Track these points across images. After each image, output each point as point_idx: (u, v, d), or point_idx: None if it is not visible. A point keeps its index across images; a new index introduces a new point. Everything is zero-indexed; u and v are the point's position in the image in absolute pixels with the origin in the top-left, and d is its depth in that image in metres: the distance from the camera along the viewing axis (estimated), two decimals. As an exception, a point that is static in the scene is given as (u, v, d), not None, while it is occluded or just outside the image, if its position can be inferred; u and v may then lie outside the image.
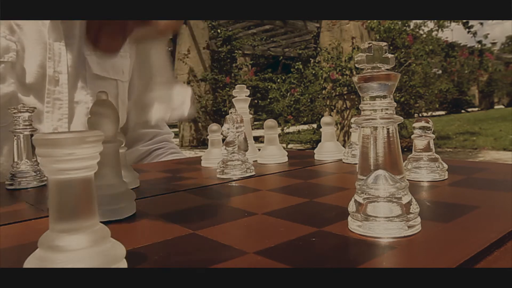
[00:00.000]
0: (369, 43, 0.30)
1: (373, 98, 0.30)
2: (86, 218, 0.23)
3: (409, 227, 0.29)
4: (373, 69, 0.30)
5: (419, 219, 0.30)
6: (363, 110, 0.31)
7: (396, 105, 0.30)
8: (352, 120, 0.33)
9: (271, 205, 0.41)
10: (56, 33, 0.81)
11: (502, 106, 14.18)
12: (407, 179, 0.48)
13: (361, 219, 0.30)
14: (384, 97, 0.30)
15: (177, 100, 0.40)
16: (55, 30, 0.81)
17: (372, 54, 0.30)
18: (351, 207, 0.31)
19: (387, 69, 0.30)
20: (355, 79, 0.30)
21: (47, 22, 0.80)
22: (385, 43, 0.30)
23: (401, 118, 0.30)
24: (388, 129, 0.30)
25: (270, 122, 0.72)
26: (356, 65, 0.30)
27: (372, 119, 0.30)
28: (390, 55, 0.31)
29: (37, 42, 0.78)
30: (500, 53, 14.40)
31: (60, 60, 0.81)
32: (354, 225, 0.30)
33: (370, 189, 0.30)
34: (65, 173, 0.22)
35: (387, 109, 0.30)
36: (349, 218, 0.31)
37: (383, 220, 0.29)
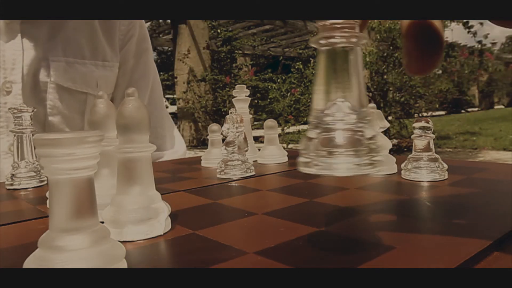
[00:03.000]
0: None
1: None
2: (86, 218, 0.23)
3: (370, 163, 0.25)
4: None
5: (381, 157, 0.26)
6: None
7: (368, 38, 0.26)
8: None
9: (271, 205, 0.41)
10: (10, 33, 0.71)
11: (502, 106, 14.18)
12: (407, 179, 0.49)
13: (315, 155, 0.25)
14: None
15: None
16: (8, 30, 0.71)
17: None
18: (303, 145, 0.26)
19: None
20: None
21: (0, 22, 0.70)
22: None
23: (366, 36, 0.26)
24: (348, 50, 0.25)
25: (270, 122, 0.72)
26: None
27: (331, 37, 0.25)
28: None
29: None
30: (500, 53, 14.40)
31: (14, 68, 0.71)
32: (308, 165, 0.25)
33: (326, 120, 0.25)
34: (65, 173, 0.22)
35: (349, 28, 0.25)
36: (300, 159, 0.26)
37: (342, 155, 0.24)
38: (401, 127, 5.07)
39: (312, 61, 6.03)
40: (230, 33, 6.64)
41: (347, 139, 0.25)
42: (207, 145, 0.71)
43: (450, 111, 11.64)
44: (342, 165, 0.24)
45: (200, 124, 6.56)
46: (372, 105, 0.55)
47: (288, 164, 0.68)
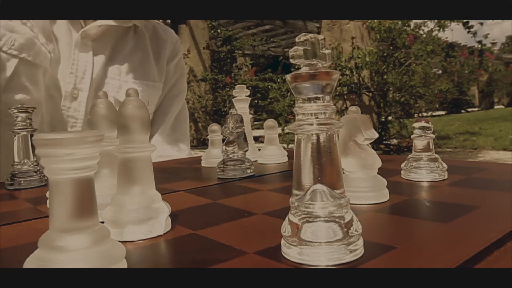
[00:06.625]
0: (305, 35, 0.26)
1: (309, 100, 0.26)
2: (86, 218, 0.23)
3: (350, 251, 0.25)
4: (309, 66, 0.26)
5: (361, 241, 0.26)
6: (297, 114, 0.27)
7: (335, 108, 0.26)
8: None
9: (271, 205, 0.41)
10: (83, 47, 0.79)
11: (502, 106, 14.17)
12: (407, 179, 0.49)
13: (297, 244, 0.25)
14: (320, 99, 0.26)
15: None
16: (82, 44, 0.79)
17: (309, 48, 0.26)
18: (285, 229, 0.27)
19: (324, 66, 0.26)
20: (288, 78, 0.26)
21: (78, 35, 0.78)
22: (322, 36, 0.27)
23: (341, 123, 0.26)
24: (325, 136, 0.26)
25: (270, 122, 0.72)
26: (291, 61, 0.26)
27: (307, 124, 0.26)
28: (327, 51, 0.27)
29: (67, 55, 0.78)
30: (500, 53, 14.40)
31: (83, 77, 0.79)
32: (290, 252, 0.26)
33: (307, 208, 0.26)
34: (65, 173, 0.22)
35: (323, 113, 0.26)
36: (283, 241, 0.27)
37: (323, 245, 0.25)
38: (401, 127, 5.07)
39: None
40: (230, 33, 6.63)
41: (328, 231, 0.25)
42: (207, 145, 0.71)
43: (450, 111, 11.63)
44: (324, 256, 0.25)
45: (200, 124, 6.56)
46: (355, 108, 0.44)
47: (288, 164, 0.68)
